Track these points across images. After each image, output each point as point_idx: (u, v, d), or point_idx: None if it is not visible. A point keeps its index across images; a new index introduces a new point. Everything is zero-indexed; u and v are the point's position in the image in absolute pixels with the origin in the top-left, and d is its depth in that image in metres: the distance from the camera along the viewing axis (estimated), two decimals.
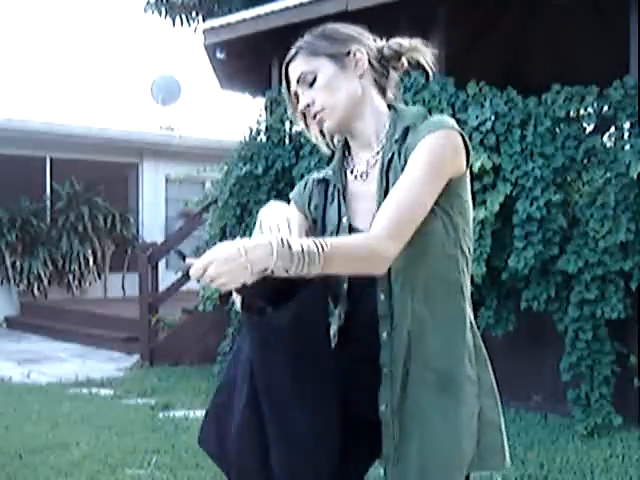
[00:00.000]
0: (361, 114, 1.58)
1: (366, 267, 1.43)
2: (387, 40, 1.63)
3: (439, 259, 1.54)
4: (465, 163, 1.54)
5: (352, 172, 1.63)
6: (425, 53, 1.60)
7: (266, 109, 6.42)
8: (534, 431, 4.65)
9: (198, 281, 1.31)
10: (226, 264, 1.27)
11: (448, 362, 1.53)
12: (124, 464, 4.07)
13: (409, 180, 1.47)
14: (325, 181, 1.67)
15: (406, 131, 1.54)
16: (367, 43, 1.59)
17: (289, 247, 1.30)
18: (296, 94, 1.62)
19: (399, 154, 1.54)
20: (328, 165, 1.72)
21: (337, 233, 1.59)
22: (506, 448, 1.61)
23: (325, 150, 1.67)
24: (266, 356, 1.45)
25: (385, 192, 1.53)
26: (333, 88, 1.56)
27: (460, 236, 1.56)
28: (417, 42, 1.60)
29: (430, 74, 1.66)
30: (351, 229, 1.58)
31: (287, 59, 1.61)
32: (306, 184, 1.71)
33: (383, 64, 1.60)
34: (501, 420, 1.62)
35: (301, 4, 6.08)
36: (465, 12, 6.65)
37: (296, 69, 1.59)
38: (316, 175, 1.71)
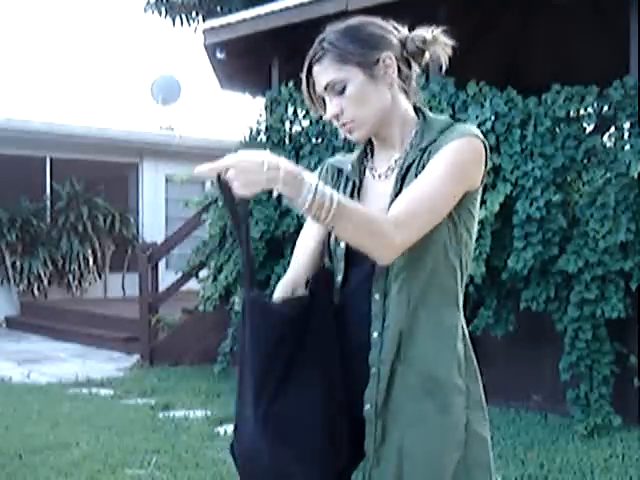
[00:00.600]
0: (389, 121, 1.58)
1: (370, 242, 1.42)
2: (409, 29, 1.60)
3: (440, 266, 1.53)
4: (481, 177, 1.55)
5: (371, 170, 1.63)
6: (446, 45, 1.58)
7: (266, 109, 6.41)
8: (534, 431, 4.65)
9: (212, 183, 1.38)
10: (244, 174, 1.32)
11: (435, 367, 1.52)
12: (124, 464, 4.07)
13: (427, 176, 1.48)
14: (341, 171, 1.67)
15: (432, 143, 1.54)
16: (393, 43, 1.56)
17: (314, 188, 1.36)
18: (320, 97, 1.60)
19: (420, 160, 1.54)
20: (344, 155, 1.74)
21: None
22: (492, 465, 1.57)
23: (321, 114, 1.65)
24: (275, 343, 1.49)
25: (397, 195, 1.52)
26: (364, 100, 1.53)
27: (462, 248, 1.56)
28: (439, 33, 1.58)
29: (443, 68, 1.61)
30: None
31: (312, 58, 1.55)
32: (326, 168, 1.71)
33: (407, 60, 1.58)
34: (488, 435, 1.58)
35: (301, 4, 6.08)
36: (465, 12, 6.65)
37: (323, 75, 1.54)
38: (332, 161, 1.71)
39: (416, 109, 1.62)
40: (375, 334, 1.52)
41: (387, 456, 1.51)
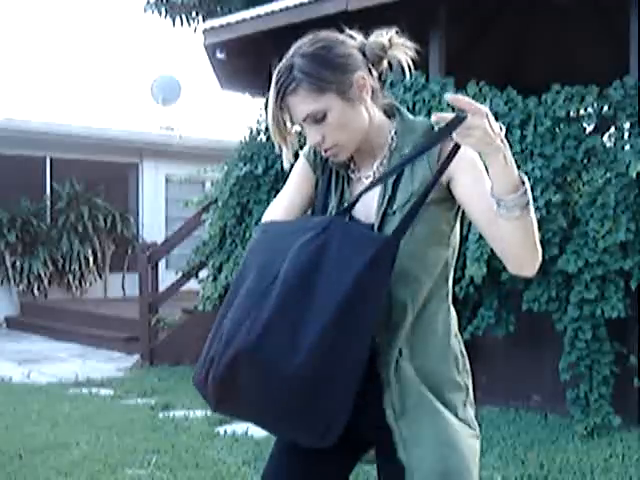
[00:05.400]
0: (366, 135, 1.56)
1: (535, 248, 1.45)
2: (364, 34, 1.57)
3: (438, 264, 1.55)
4: None
5: (354, 172, 1.62)
6: (406, 47, 1.55)
7: (266, 109, 6.40)
8: (534, 431, 4.65)
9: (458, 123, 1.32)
10: (483, 136, 1.31)
11: (439, 366, 1.53)
12: (124, 464, 4.07)
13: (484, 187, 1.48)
14: (327, 160, 1.64)
15: (418, 149, 1.51)
16: (360, 59, 1.53)
17: (524, 176, 1.40)
18: (291, 124, 1.56)
19: (411, 169, 1.52)
20: None
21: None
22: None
23: (287, 166, 1.63)
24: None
25: (389, 202, 1.52)
26: (345, 125, 1.51)
27: (456, 243, 1.59)
28: (395, 37, 1.54)
29: (407, 72, 1.56)
30: (351, 217, 1.58)
31: (285, 89, 1.50)
32: (313, 152, 1.67)
33: (369, 68, 1.55)
34: None
35: (301, 4, 6.08)
36: (465, 12, 6.65)
37: (302, 106, 1.50)
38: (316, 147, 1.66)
39: (390, 108, 1.61)
40: (377, 339, 1.51)
41: (423, 452, 1.50)
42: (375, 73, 1.57)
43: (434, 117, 1.35)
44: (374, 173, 1.58)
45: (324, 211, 1.62)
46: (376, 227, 1.52)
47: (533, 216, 1.42)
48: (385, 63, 1.57)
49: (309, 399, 1.38)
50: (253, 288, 1.45)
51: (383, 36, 1.55)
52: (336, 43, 1.53)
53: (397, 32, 1.55)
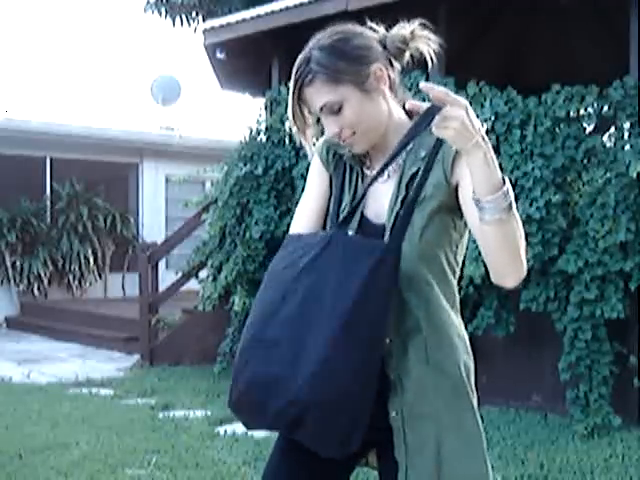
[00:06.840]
0: (385, 129, 1.57)
1: (521, 255, 1.41)
2: (385, 28, 1.57)
3: (447, 267, 1.55)
4: None
5: (368, 168, 1.62)
6: (428, 39, 1.55)
7: (266, 109, 6.42)
8: (534, 431, 4.65)
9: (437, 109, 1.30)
10: (461, 129, 1.29)
11: (458, 370, 1.52)
12: (124, 464, 4.07)
13: None
14: (341, 156, 1.65)
15: (433, 150, 1.52)
16: (379, 51, 1.53)
17: (506, 178, 1.37)
18: (310, 115, 1.58)
19: (425, 169, 1.52)
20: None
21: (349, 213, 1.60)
22: None
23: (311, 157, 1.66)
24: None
25: (403, 201, 1.52)
26: (362, 116, 1.51)
27: (463, 246, 1.60)
28: (417, 29, 1.54)
29: (430, 65, 1.56)
30: (362, 215, 1.58)
31: (302, 81, 1.51)
32: (326, 148, 1.68)
33: (390, 61, 1.56)
34: None
35: (301, 4, 6.08)
36: (465, 12, 6.65)
37: (318, 97, 1.51)
38: (330, 142, 1.66)
39: (408, 112, 1.60)
40: (387, 340, 1.50)
41: (424, 461, 1.49)
42: (398, 65, 1.58)
43: (408, 105, 1.35)
44: (388, 172, 1.58)
45: (338, 208, 1.62)
46: (388, 228, 1.52)
47: (519, 224, 1.39)
48: (407, 55, 1.57)
49: (323, 412, 1.40)
50: (264, 308, 1.51)
51: (405, 28, 1.55)
52: (354, 35, 1.53)
53: (421, 24, 1.55)
